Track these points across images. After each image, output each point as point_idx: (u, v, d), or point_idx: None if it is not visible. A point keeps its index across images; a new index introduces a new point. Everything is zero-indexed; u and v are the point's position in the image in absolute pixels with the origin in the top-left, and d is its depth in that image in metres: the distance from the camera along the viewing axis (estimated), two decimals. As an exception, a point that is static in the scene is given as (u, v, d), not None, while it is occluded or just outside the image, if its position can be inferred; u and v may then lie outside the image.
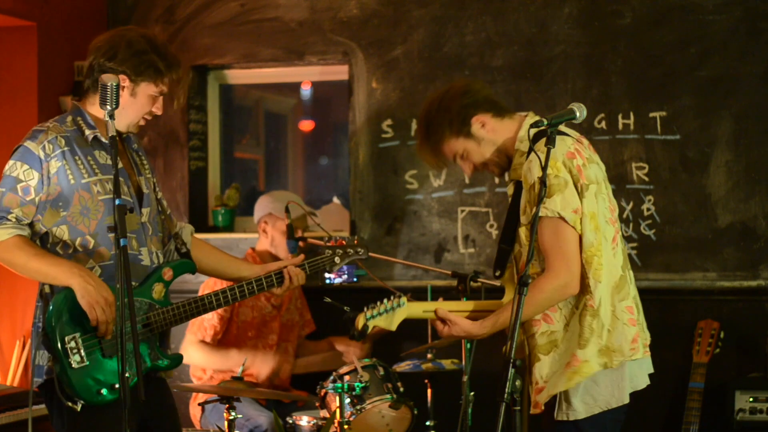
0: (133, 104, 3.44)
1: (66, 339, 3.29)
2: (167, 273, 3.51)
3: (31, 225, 3.36)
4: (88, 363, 3.31)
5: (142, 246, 3.47)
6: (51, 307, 3.30)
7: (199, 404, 4.65)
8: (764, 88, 5.20)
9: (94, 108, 3.47)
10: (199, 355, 5.00)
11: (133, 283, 3.33)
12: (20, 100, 5.49)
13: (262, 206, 5.25)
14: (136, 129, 3.54)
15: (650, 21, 5.33)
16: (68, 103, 5.59)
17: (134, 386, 3.26)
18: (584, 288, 3.38)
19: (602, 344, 3.38)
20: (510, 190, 3.52)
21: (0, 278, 5.39)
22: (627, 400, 3.44)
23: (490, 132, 3.52)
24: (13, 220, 3.32)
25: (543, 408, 3.42)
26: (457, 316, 3.46)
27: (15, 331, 5.43)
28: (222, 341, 5.07)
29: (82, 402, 3.30)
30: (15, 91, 5.50)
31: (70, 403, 3.30)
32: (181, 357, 3.60)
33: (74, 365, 3.29)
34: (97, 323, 3.29)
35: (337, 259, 3.77)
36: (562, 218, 3.35)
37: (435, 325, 3.48)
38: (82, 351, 3.30)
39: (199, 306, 3.54)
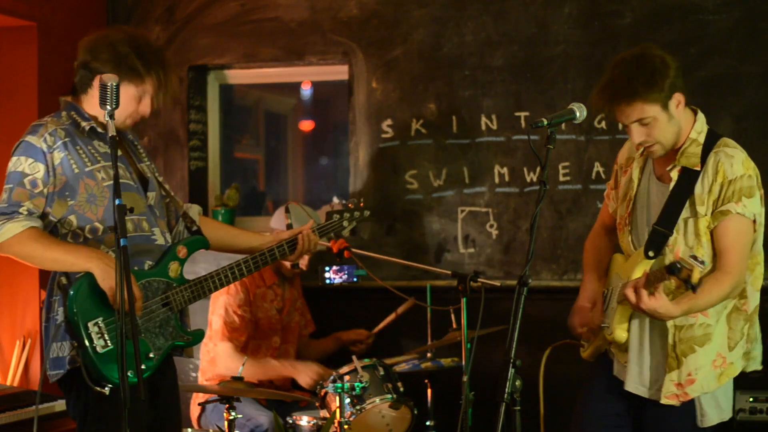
0: None
1: (89, 324, 3.33)
2: (182, 251, 3.57)
3: (42, 217, 3.40)
4: (112, 346, 3.34)
5: (153, 227, 3.54)
6: (72, 293, 3.33)
7: (199, 404, 4.65)
8: (764, 88, 5.20)
9: (85, 104, 3.55)
10: (237, 365, 4.93)
11: (149, 263, 3.49)
12: (20, 99, 5.48)
13: (280, 219, 5.18)
14: (125, 128, 3.59)
15: (650, 21, 5.33)
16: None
17: (147, 377, 3.36)
18: (741, 291, 3.53)
19: (747, 348, 3.58)
20: (674, 175, 3.54)
21: (0, 278, 5.40)
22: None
23: (679, 114, 3.52)
24: (25, 213, 3.36)
25: (683, 401, 3.54)
26: (662, 293, 3.39)
27: (15, 331, 5.42)
28: (244, 343, 5.06)
29: (110, 386, 3.33)
30: (15, 91, 5.50)
31: (98, 388, 3.32)
32: (202, 333, 3.62)
33: (99, 350, 3.33)
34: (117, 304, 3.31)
35: (345, 223, 3.91)
36: (753, 221, 3.48)
37: (641, 294, 3.36)
38: (105, 335, 3.34)
39: (216, 280, 3.61)
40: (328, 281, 5.27)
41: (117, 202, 3.10)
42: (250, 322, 5.03)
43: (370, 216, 3.99)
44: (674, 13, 5.30)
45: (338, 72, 5.89)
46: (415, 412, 4.64)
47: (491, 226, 5.55)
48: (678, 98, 3.50)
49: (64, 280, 3.40)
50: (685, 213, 3.51)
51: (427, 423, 4.81)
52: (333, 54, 5.79)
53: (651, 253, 3.51)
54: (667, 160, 3.60)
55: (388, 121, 5.68)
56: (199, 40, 5.97)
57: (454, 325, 4.95)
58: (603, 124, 5.37)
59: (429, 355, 4.85)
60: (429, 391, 4.83)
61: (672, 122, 3.50)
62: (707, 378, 3.53)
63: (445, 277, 4.79)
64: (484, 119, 5.55)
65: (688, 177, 3.52)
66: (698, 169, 3.51)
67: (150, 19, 6.02)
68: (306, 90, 6.39)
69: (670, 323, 3.50)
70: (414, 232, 5.65)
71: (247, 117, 6.73)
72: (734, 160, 3.48)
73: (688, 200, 3.50)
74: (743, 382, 4.87)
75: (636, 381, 3.61)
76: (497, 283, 4.50)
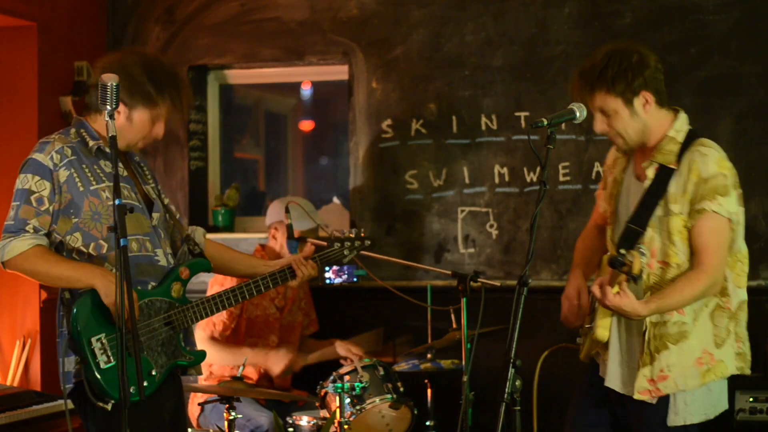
0: (129, 129, 3.51)
1: (92, 340, 3.36)
2: (184, 272, 3.60)
3: (48, 234, 3.43)
4: (114, 362, 3.36)
5: (156, 248, 3.57)
6: (75, 310, 3.37)
7: (198, 404, 4.65)
8: (764, 88, 5.20)
9: (96, 123, 3.56)
10: (210, 351, 4.97)
11: (152, 284, 3.52)
12: (20, 100, 5.48)
13: (275, 212, 5.22)
14: (136, 150, 3.65)
15: (650, 21, 5.33)
16: (68, 103, 5.60)
17: (150, 394, 3.39)
18: (721, 289, 3.51)
19: (740, 349, 3.55)
20: (650, 173, 3.54)
21: (0, 278, 5.40)
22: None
23: (646, 113, 3.53)
24: (31, 230, 3.39)
25: (657, 398, 3.51)
26: (628, 290, 3.38)
27: (15, 331, 5.43)
28: (228, 338, 5.07)
29: (112, 401, 3.36)
30: (15, 91, 5.50)
31: (101, 404, 3.35)
32: (204, 354, 3.67)
33: (102, 365, 3.36)
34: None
35: (346, 252, 3.93)
36: (729, 219, 3.46)
37: (605, 291, 3.36)
38: (108, 351, 3.37)
39: (218, 303, 3.66)
40: (328, 281, 5.25)
41: (117, 202, 3.12)
42: (237, 317, 5.05)
43: (369, 247, 4.01)
44: (674, 13, 5.30)
45: (338, 72, 5.89)
46: (415, 412, 4.64)
47: (491, 226, 5.55)
48: (646, 97, 3.51)
49: (67, 295, 3.45)
50: (659, 211, 3.51)
51: (427, 423, 4.81)
52: (333, 54, 5.79)
53: (623, 251, 3.48)
54: (644, 158, 3.60)
55: (388, 121, 5.68)
56: (199, 40, 5.97)
57: (454, 325, 4.95)
58: (603, 124, 5.36)
59: (429, 355, 4.85)
60: (429, 391, 4.83)
61: (636, 119, 3.53)
62: (685, 375, 3.50)
63: (445, 277, 4.79)
64: (484, 119, 5.55)
65: (664, 175, 3.52)
66: (674, 167, 3.51)
67: (150, 19, 6.02)
68: (306, 90, 6.39)
69: (648, 319, 3.50)
70: (414, 232, 5.65)
71: (247, 117, 6.73)
72: (708, 159, 3.48)
73: (663, 198, 3.50)
74: (743, 382, 4.89)
75: (615, 377, 3.62)
76: (497, 283, 4.50)
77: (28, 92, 5.49)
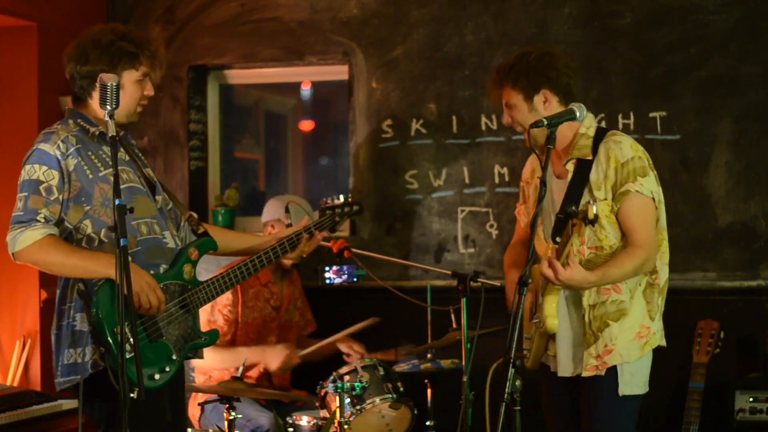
0: (123, 96, 3.46)
1: (115, 330, 3.34)
2: (194, 253, 3.62)
3: (58, 224, 3.41)
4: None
5: (164, 230, 3.58)
6: (96, 299, 3.34)
7: (198, 404, 4.65)
8: (764, 88, 5.20)
9: (89, 111, 3.57)
10: (211, 356, 4.97)
11: (164, 266, 3.53)
12: (20, 100, 5.48)
13: (271, 210, 5.24)
14: (136, 117, 3.63)
15: (650, 21, 5.33)
16: (68, 103, 5.56)
17: (159, 385, 3.42)
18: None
19: (661, 323, 3.74)
20: (570, 168, 3.70)
21: (0, 278, 5.40)
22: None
23: (546, 110, 3.67)
24: (42, 220, 3.36)
25: (604, 371, 3.65)
26: (575, 262, 3.54)
27: (15, 331, 5.42)
28: (228, 344, 5.07)
29: (137, 389, 3.31)
30: (15, 91, 5.50)
31: None
32: (217, 333, 3.70)
33: (126, 354, 3.31)
34: (141, 308, 3.37)
35: (337, 218, 4.00)
36: (652, 198, 3.62)
37: (555, 266, 3.46)
38: (131, 339, 3.33)
39: (227, 280, 3.69)
40: (328, 281, 5.27)
41: (117, 202, 3.12)
42: (235, 323, 5.05)
43: (358, 213, 4.08)
44: (674, 13, 5.30)
45: (338, 72, 5.89)
46: (415, 412, 4.64)
47: (491, 226, 5.55)
48: (546, 95, 3.69)
49: (81, 286, 3.41)
50: (585, 198, 3.63)
51: (427, 423, 4.81)
52: (333, 54, 5.79)
53: (558, 239, 3.58)
54: (561, 159, 3.75)
55: (388, 121, 5.68)
56: (199, 40, 5.97)
57: (454, 325, 4.95)
58: (603, 124, 5.36)
59: (429, 355, 4.85)
60: (429, 391, 4.83)
61: (534, 114, 3.68)
62: (628, 348, 3.65)
63: (445, 277, 4.79)
64: (484, 119, 5.55)
65: (583, 167, 3.67)
66: (591, 158, 3.66)
67: (150, 19, 6.02)
68: (306, 90, 6.39)
69: (585, 303, 3.65)
70: (414, 232, 5.65)
71: (247, 117, 6.73)
72: (622, 145, 3.66)
73: (586, 187, 3.65)
74: (743, 382, 4.90)
75: (564, 364, 3.73)
76: (497, 283, 4.50)
77: (28, 92, 5.49)
